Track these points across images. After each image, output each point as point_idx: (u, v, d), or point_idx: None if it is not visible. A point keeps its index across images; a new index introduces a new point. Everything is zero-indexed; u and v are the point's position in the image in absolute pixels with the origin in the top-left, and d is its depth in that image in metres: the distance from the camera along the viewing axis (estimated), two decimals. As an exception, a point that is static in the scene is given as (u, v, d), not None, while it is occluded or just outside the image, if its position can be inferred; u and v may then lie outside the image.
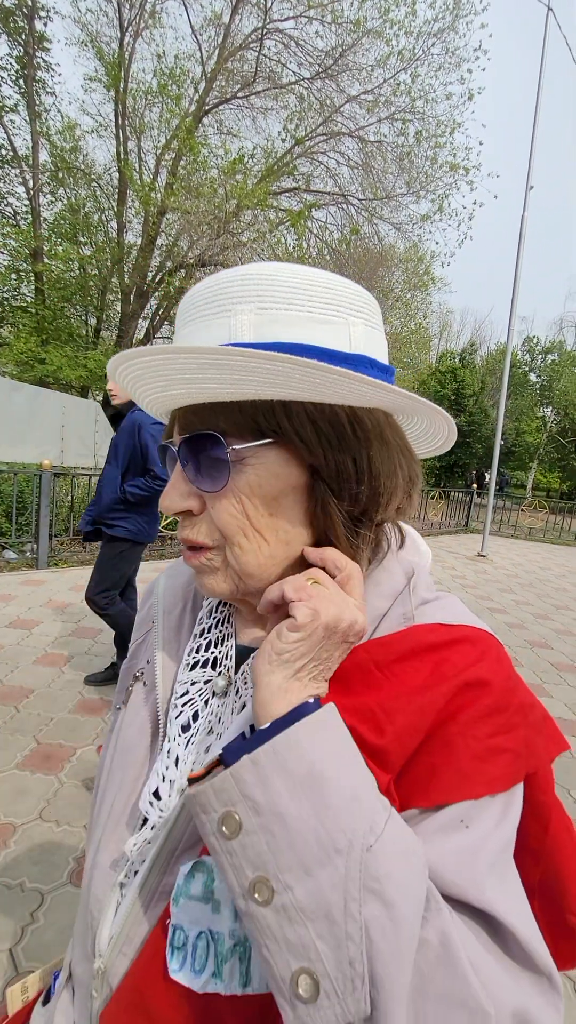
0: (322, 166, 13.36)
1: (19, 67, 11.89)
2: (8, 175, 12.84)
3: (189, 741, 0.51)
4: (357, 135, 12.68)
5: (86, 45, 12.02)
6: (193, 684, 0.54)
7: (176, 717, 0.53)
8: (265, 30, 11.49)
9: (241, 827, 0.36)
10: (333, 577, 0.46)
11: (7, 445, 9.83)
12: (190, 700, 0.54)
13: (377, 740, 0.41)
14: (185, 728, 0.52)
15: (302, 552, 0.49)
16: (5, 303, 13.47)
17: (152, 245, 12.57)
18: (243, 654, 0.55)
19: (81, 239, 13.08)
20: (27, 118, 12.13)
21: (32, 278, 12.73)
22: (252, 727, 0.43)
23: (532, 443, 28.30)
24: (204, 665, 0.55)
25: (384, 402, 0.46)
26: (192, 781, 0.42)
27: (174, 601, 0.62)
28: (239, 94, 12.30)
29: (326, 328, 0.44)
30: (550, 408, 28.81)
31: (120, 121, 12.13)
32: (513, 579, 7.73)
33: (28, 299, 13.33)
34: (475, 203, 17.92)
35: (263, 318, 0.43)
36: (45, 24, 11.77)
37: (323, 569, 0.47)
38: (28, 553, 5.74)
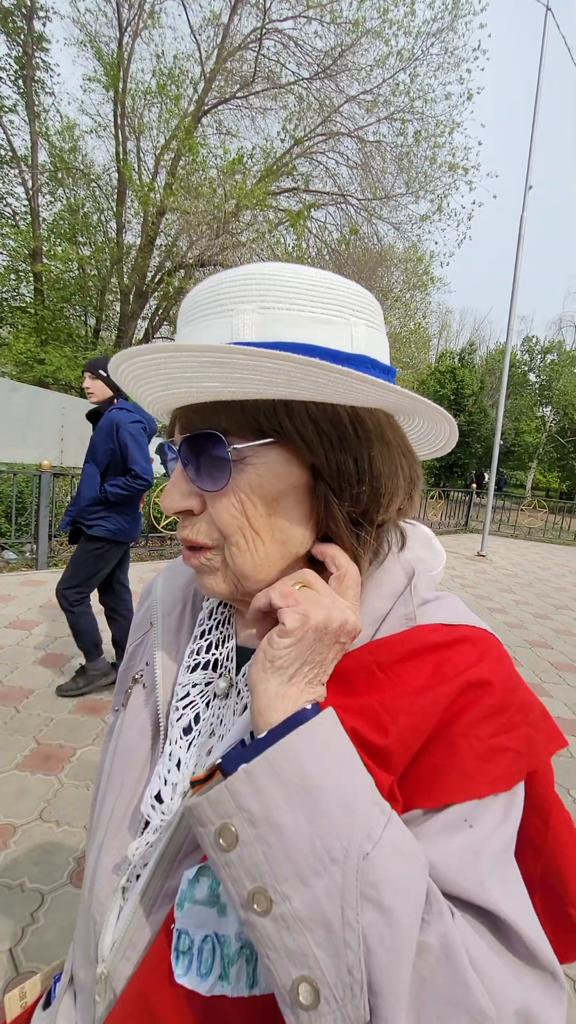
0: (321, 166, 13.38)
1: (18, 67, 11.88)
2: (7, 175, 12.84)
3: (191, 744, 0.51)
4: (356, 135, 12.69)
5: (85, 45, 12.04)
6: (194, 686, 0.54)
7: (177, 720, 0.53)
8: (264, 30, 11.50)
9: (238, 839, 0.36)
10: (331, 574, 0.46)
11: (6, 445, 9.83)
12: (191, 702, 0.53)
13: (380, 740, 0.41)
14: (187, 730, 0.52)
15: (301, 553, 0.49)
16: (4, 303, 13.47)
17: (151, 245, 12.57)
18: (244, 655, 0.54)
19: (80, 239, 13.08)
20: (26, 118, 12.13)
21: (31, 278, 12.73)
22: (252, 733, 0.43)
23: (531, 443, 28.30)
24: (205, 667, 0.55)
25: (385, 402, 0.46)
26: (194, 784, 0.42)
27: (173, 602, 0.62)
28: (238, 94, 12.32)
29: (328, 328, 0.44)
30: (549, 408, 28.81)
31: (119, 121, 12.13)
32: (512, 579, 7.73)
33: (27, 299, 13.32)
34: (474, 203, 18.00)
35: (265, 317, 0.43)
36: (44, 24, 11.78)
37: (323, 564, 0.47)
38: (28, 554, 5.74)
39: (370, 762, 0.40)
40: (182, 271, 12.49)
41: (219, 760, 0.41)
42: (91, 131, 12.95)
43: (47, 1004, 0.61)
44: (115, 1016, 0.45)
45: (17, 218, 13.08)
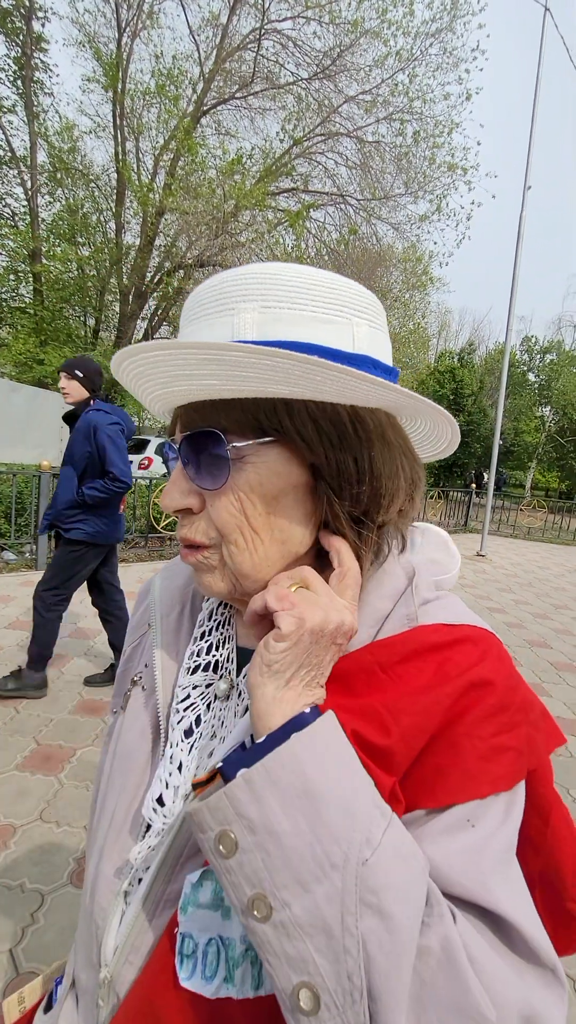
0: (320, 166, 13.38)
1: (17, 68, 11.88)
2: (6, 176, 12.84)
3: (192, 746, 0.51)
4: (355, 135, 12.69)
5: (84, 46, 12.03)
6: (195, 688, 0.54)
7: (178, 722, 0.52)
8: (263, 30, 11.50)
9: (237, 846, 0.36)
10: (333, 570, 0.46)
11: (6, 446, 9.83)
12: (192, 704, 0.53)
13: (383, 741, 0.41)
14: (187, 733, 0.52)
15: (300, 553, 0.49)
16: (3, 304, 13.46)
17: (150, 246, 12.57)
18: (245, 656, 0.54)
19: (79, 240, 13.06)
20: (25, 119, 12.12)
21: (30, 279, 12.71)
22: (252, 736, 0.43)
23: (531, 443, 28.29)
24: (205, 668, 0.55)
25: (386, 401, 0.45)
26: (196, 786, 0.42)
27: (171, 604, 0.61)
28: (237, 94, 12.32)
29: (329, 328, 0.44)
30: (548, 408, 28.81)
31: (118, 122, 12.13)
32: (512, 578, 7.74)
33: (26, 300, 13.31)
34: (473, 203, 18.02)
35: (266, 316, 0.43)
36: (43, 25, 11.77)
37: (326, 559, 0.47)
38: (27, 554, 5.74)
39: (371, 764, 0.40)
40: (181, 271, 12.49)
41: (220, 764, 0.41)
42: (90, 132, 12.95)
43: (48, 1007, 0.61)
44: (119, 1020, 0.45)
45: (16, 219, 13.08)
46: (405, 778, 0.42)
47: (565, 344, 30.62)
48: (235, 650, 0.55)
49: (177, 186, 11.13)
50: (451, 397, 26.01)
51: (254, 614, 0.44)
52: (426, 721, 0.42)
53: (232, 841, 0.36)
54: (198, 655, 0.56)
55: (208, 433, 0.45)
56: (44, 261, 12.26)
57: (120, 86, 11.64)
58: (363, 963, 0.33)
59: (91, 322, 15.13)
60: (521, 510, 15.14)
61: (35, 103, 12.03)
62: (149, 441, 14.80)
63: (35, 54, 11.78)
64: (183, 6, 11.75)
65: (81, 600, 3.82)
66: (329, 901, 0.34)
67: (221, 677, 0.54)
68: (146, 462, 13.34)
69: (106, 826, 0.54)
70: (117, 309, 13.84)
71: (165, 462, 0.53)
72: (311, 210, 13.04)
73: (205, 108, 12.27)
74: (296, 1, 11.28)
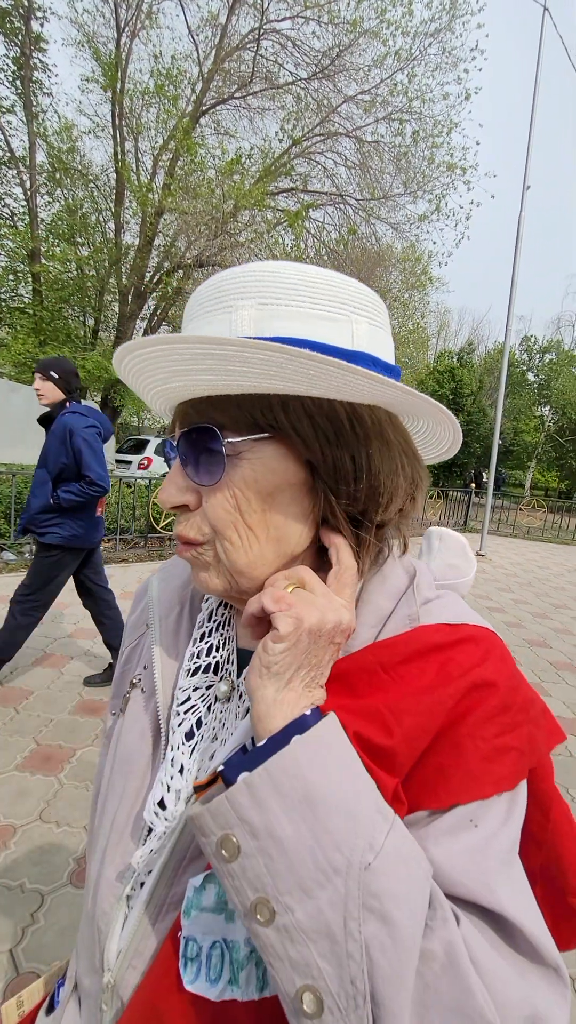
0: (319, 166, 13.38)
1: (16, 68, 11.87)
2: (5, 176, 12.83)
3: (193, 749, 0.51)
4: (354, 135, 12.69)
5: (83, 46, 12.01)
6: (195, 690, 0.54)
7: (179, 725, 0.52)
8: (262, 30, 11.50)
9: (239, 850, 0.36)
10: (332, 569, 0.46)
11: (5, 446, 9.84)
12: (192, 707, 0.53)
13: (385, 741, 0.41)
14: (188, 736, 0.52)
15: (297, 553, 0.48)
16: (3, 304, 13.45)
17: (150, 246, 12.56)
18: (245, 657, 0.54)
19: (79, 240, 13.06)
20: (24, 119, 12.11)
21: (30, 279, 12.71)
22: (253, 739, 0.43)
23: (530, 442, 28.33)
24: (206, 670, 0.54)
25: (382, 398, 0.45)
26: (197, 789, 0.42)
27: (170, 605, 0.61)
28: (236, 94, 12.31)
29: (328, 324, 0.44)
30: (548, 407, 28.84)
31: (117, 122, 12.12)
32: (511, 578, 7.74)
33: (26, 300, 13.30)
34: (472, 203, 18.02)
35: (264, 313, 0.43)
36: (42, 25, 11.77)
37: (325, 557, 0.47)
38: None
39: (373, 765, 0.40)
40: (180, 271, 12.49)
41: (221, 768, 0.41)
42: (89, 132, 12.94)
43: (50, 1009, 0.61)
44: None
45: (15, 219, 13.07)
46: (407, 779, 0.42)
47: (564, 344, 30.65)
48: (235, 651, 0.55)
49: (176, 186, 11.13)
50: (450, 397, 26.03)
51: (251, 616, 0.44)
52: (429, 721, 0.42)
53: (234, 845, 0.36)
54: (198, 657, 0.55)
55: (205, 429, 0.45)
56: (43, 261, 12.25)
57: (119, 86, 11.63)
58: (366, 968, 0.33)
59: (90, 322, 15.13)
60: (520, 509, 15.15)
61: (34, 103, 12.02)
62: (149, 441, 14.82)
63: (34, 54, 11.77)
64: (182, 6, 11.76)
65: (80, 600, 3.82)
66: (332, 906, 0.34)
67: (221, 679, 0.53)
68: (146, 462, 13.35)
69: (107, 830, 0.54)
70: (116, 309, 13.83)
71: (167, 460, 0.53)
72: (310, 210, 13.04)
73: (204, 108, 12.27)
74: (295, 1, 11.28)
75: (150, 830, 0.50)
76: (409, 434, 0.51)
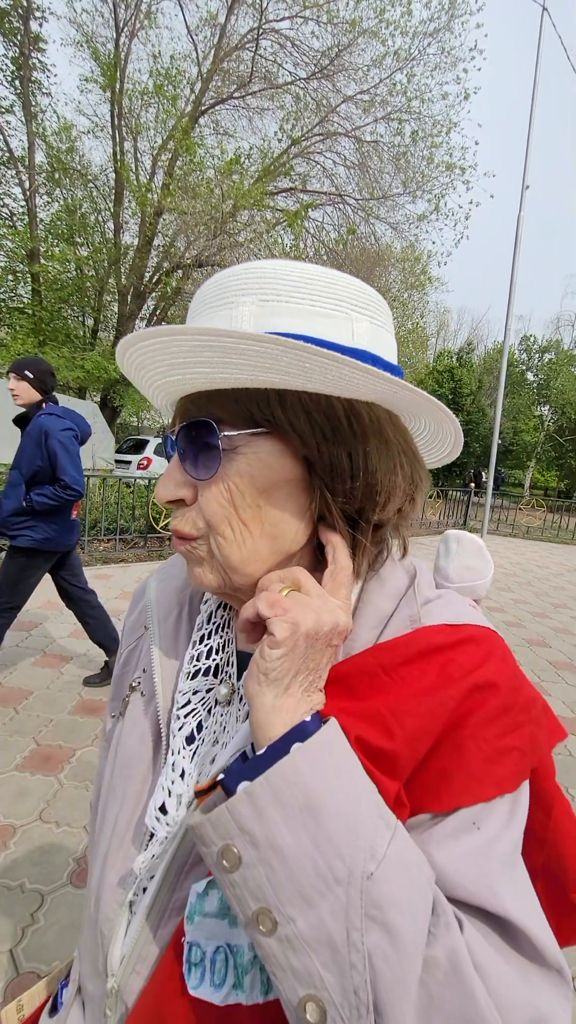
0: (318, 166, 13.39)
1: (15, 68, 11.85)
2: (4, 176, 12.81)
3: (194, 753, 0.51)
4: (353, 135, 12.70)
5: (82, 46, 12.03)
6: (195, 693, 0.53)
7: (179, 729, 0.52)
8: (261, 30, 11.50)
9: (240, 860, 0.36)
10: (328, 569, 0.46)
11: (5, 446, 9.79)
12: (193, 710, 0.52)
13: (387, 744, 0.40)
14: (189, 739, 0.51)
15: (293, 551, 0.48)
16: (2, 304, 13.43)
17: (149, 246, 12.56)
18: (245, 660, 0.54)
19: (78, 240, 13.06)
20: (23, 119, 12.09)
21: (29, 279, 12.70)
22: (253, 745, 0.42)
23: (529, 442, 28.34)
24: (205, 673, 0.54)
25: (379, 394, 0.44)
26: (199, 794, 0.42)
27: (169, 607, 0.60)
28: (235, 94, 12.31)
29: (328, 322, 0.44)
30: (547, 407, 28.85)
31: (116, 122, 12.12)
32: (511, 578, 7.75)
33: (25, 300, 13.29)
34: (471, 203, 17.99)
35: (264, 309, 0.43)
36: (41, 25, 11.74)
37: (322, 555, 0.47)
38: None
39: (375, 769, 0.40)
40: (180, 271, 12.49)
41: (221, 776, 0.40)
42: (88, 132, 12.94)
43: (53, 1010, 0.61)
44: None
45: (14, 219, 13.05)
46: (409, 782, 0.42)
47: (563, 343, 30.66)
48: (235, 653, 0.55)
49: (175, 186, 11.12)
50: (450, 396, 26.04)
51: (246, 622, 0.43)
52: (430, 724, 0.42)
53: (235, 855, 0.36)
54: (197, 659, 0.55)
55: (202, 423, 0.45)
56: (42, 261, 12.24)
57: (118, 86, 11.63)
58: (369, 978, 0.33)
59: (89, 322, 15.13)
60: (520, 509, 15.15)
61: (33, 103, 12.00)
62: (148, 441, 14.81)
63: (33, 54, 11.75)
64: (181, 6, 11.75)
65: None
66: (334, 916, 0.34)
67: (221, 681, 0.53)
68: (145, 462, 13.34)
69: (108, 835, 0.53)
70: (115, 309, 13.84)
71: (167, 457, 0.53)
72: (309, 210, 13.04)
73: (203, 108, 12.26)
74: (294, 1, 11.28)
75: (152, 835, 0.50)
76: (410, 434, 0.51)
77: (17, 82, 11.97)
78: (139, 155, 12.90)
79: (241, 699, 0.51)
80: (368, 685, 0.44)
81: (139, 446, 14.65)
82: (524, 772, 0.44)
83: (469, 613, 0.50)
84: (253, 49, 11.70)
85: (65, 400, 11.30)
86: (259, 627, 0.43)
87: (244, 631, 0.44)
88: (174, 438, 0.48)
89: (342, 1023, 0.33)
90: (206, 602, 0.59)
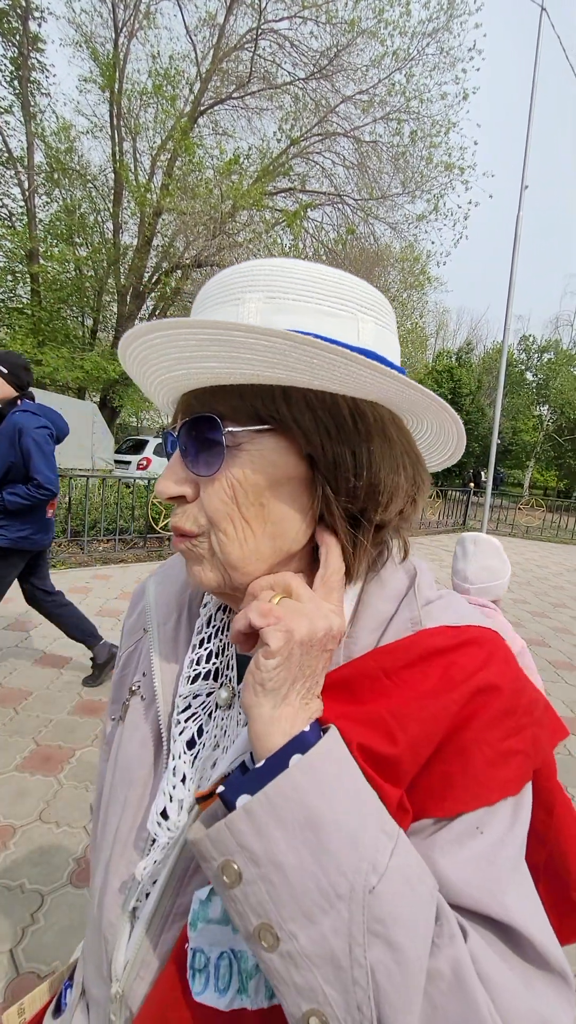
0: (317, 166, 13.38)
1: (14, 68, 11.84)
2: (3, 176, 12.80)
3: (195, 757, 0.50)
4: (352, 135, 12.69)
5: (81, 46, 12.02)
6: (195, 697, 0.53)
7: (180, 733, 0.51)
8: (260, 30, 11.49)
9: (241, 877, 0.36)
10: (318, 569, 0.46)
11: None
12: (193, 714, 0.52)
13: (390, 750, 0.40)
14: (190, 744, 0.51)
15: (294, 551, 0.48)
16: (1, 305, 13.43)
17: (148, 246, 12.55)
18: (244, 663, 0.53)
19: (77, 240, 13.06)
20: (22, 119, 12.07)
21: (28, 279, 12.69)
22: (252, 755, 0.42)
23: (529, 442, 28.34)
24: (205, 677, 0.54)
25: (385, 393, 0.44)
26: (200, 800, 0.42)
27: (168, 610, 0.60)
28: (234, 94, 12.30)
29: (334, 321, 0.44)
30: (546, 407, 28.86)
31: (115, 122, 12.11)
32: (511, 577, 7.74)
33: (24, 300, 13.28)
34: (470, 203, 17.97)
35: (271, 306, 0.43)
36: (39, 25, 11.72)
37: (312, 557, 0.47)
38: None
39: (377, 776, 0.40)
40: (179, 272, 12.48)
41: (221, 789, 0.40)
42: (87, 132, 12.93)
43: (57, 1011, 0.60)
44: None
45: (13, 219, 13.04)
46: (412, 786, 0.41)
47: (562, 343, 30.68)
48: (235, 657, 0.54)
49: (174, 186, 11.12)
50: (449, 396, 26.05)
51: (239, 634, 0.43)
52: (433, 728, 0.41)
53: (235, 871, 0.36)
54: (197, 663, 0.54)
55: (206, 419, 0.45)
56: (41, 261, 12.23)
57: (117, 86, 11.62)
58: (372, 994, 0.33)
59: (89, 322, 15.12)
60: (519, 509, 15.16)
61: (32, 103, 11.99)
62: (147, 441, 14.81)
63: (32, 54, 11.73)
64: (180, 6, 11.75)
65: (81, 601, 3.82)
66: (336, 933, 0.33)
67: (222, 685, 0.53)
68: (144, 462, 13.34)
69: (110, 840, 0.53)
70: (115, 309, 13.82)
71: (167, 454, 0.52)
72: (309, 210, 13.03)
73: (202, 108, 12.26)
74: (293, 1, 11.28)
75: (154, 840, 0.49)
76: (412, 436, 0.51)
77: (16, 82, 11.95)
78: (138, 155, 12.90)
79: None
80: (370, 689, 0.43)
81: (138, 446, 14.65)
82: (527, 774, 0.44)
83: (470, 614, 0.50)
84: (252, 49, 11.70)
85: (64, 400, 11.35)
86: (252, 637, 0.43)
87: (237, 642, 0.43)
88: (175, 434, 0.48)
89: None
90: (205, 605, 0.59)
